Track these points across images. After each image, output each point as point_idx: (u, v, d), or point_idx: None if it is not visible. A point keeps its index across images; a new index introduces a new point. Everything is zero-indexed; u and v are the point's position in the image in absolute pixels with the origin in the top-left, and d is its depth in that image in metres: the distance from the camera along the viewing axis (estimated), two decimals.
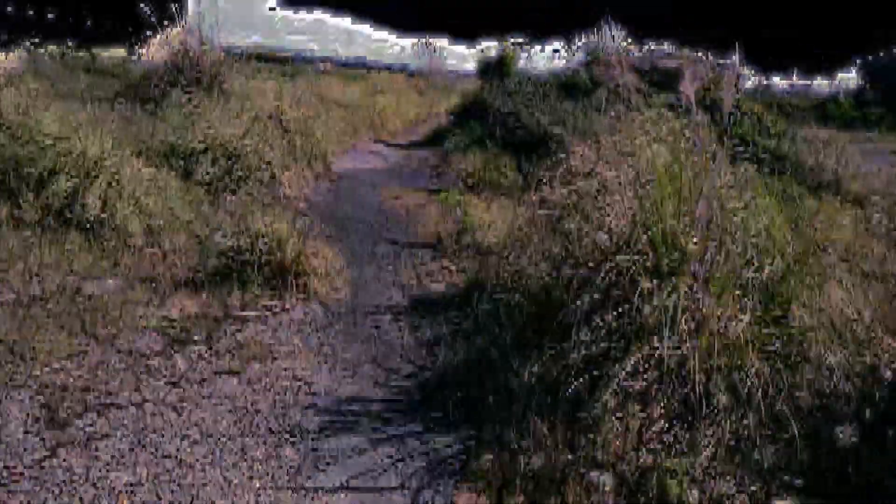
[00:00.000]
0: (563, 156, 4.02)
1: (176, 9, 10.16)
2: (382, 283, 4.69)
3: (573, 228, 3.01)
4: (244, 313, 3.85)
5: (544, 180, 4.33)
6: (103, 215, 4.79)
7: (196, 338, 3.45)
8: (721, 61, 12.02)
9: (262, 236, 4.25)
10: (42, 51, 13.13)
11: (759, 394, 2.66)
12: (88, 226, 4.71)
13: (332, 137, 9.54)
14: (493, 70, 13.27)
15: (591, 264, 2.85)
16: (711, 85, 11.37)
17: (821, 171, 8.16)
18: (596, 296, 2.66)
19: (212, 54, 9.65)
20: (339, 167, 9.12)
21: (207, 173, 6.63)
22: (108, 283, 4.08)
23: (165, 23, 10.68)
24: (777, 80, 20.87)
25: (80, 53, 13.28)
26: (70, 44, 13.77)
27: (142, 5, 10.37)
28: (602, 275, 2.68)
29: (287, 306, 4.03)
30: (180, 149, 6.74)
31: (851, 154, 8.95)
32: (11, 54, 11.79)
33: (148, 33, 11.47)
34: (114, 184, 5.03)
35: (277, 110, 8.51)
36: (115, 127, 6.72)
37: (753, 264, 3.04)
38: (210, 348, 3.37)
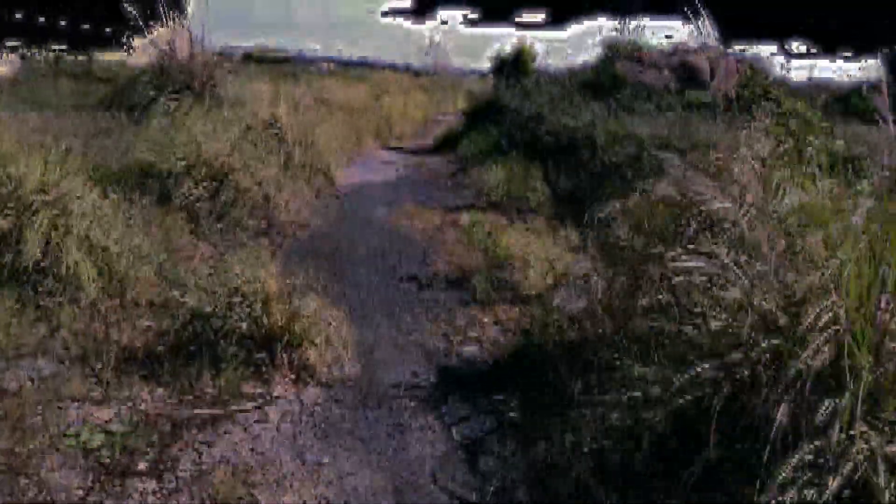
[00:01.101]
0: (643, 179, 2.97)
1: (164, 8, 9.27)
2: (400, 346, 3.65)
3: (705, 307, 1.97)
4: (215, 411, 2.82)
5: (613, 213, 3.30)
6: (44, 263, 3.78)
7: (141, 464, 2.42)
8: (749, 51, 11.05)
9: (243, 296, 3.23)
10: (37, 55, 12.41)
11: None
12: (25, 277, 3.70)
13: (334, 146, 8.51)
14: (509, 68, 12.20)
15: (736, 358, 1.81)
16: (745, 81, 10.36)
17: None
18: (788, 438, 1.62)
19: (204, 56, 8.73)
20: (344, 180, 8.09)
21: (188, 197, 5.61)
22: (38, 365, 3.06)
23: (151, 23, 9.88)
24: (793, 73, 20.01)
25: (78, 57, 12.49)
26: (64, 48, 13.15)
27: (126, 5, 9.57)
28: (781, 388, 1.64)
29: (275, 393, 3.00)
30: (156, 169, 5.73)
31: None
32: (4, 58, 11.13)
33: (129, 34, 10.70)
34: (61, 220, 4.01)
35: (274, 117, 7.49)
36: (79, 143, 5.75)
37: None
38: (159, 482, 2.33)
